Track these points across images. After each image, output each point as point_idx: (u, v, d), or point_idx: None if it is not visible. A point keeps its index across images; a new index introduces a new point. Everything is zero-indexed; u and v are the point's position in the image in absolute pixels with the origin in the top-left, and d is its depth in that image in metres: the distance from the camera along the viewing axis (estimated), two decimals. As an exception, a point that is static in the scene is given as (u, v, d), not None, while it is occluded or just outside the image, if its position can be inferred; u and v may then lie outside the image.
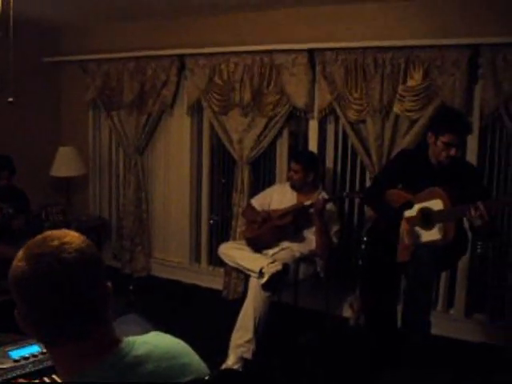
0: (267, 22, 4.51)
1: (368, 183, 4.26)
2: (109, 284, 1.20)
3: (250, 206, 4.36)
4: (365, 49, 4.03)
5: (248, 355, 3.52)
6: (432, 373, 3.14)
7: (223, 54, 4.63)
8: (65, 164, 5.25)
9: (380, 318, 3.50)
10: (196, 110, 5.02)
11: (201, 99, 4.85)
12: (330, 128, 4.49)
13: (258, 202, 4.31)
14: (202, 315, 4.42)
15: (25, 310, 1.13)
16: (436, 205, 3.06)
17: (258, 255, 3.90)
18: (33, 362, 1.72)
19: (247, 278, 3.97)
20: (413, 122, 3.95)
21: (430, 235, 3.11)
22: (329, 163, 4.52)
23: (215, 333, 3.81)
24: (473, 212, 2.82)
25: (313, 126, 4.50)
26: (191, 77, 4.85)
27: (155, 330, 1.34)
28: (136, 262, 5.43)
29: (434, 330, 3.23)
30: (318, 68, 4.28)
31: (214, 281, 5.07)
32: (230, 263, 4.01)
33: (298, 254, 3.90)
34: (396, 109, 3.97)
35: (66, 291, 1.09)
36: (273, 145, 4.75)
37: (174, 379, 1.21)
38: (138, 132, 5.24)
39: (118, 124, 5.36)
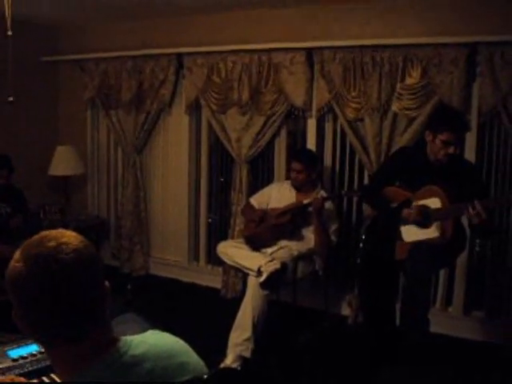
0: (265, 21, 4.51)
1: (366, 181, 4.26)
2: (107, 284, 1.20)
3: (248, 205, 4.36)
4: (363, 47, 4.04)
5: (247, 354, 3.52)
6: (430, 370, 3.14)
7: (221, 52, 4.63)
8: (63, 163, 5.24)
9: (378, 316, 3.50)
10: (194, 108, 5.02)
11: (199, 98, 4.85)
12: (329, 126, 4.49)
13: (256, 200, 4.31)
14: (200, 314, 4.42)
15: (22, 311, 1.13)
16: (434, 203, 3.07)
17: (256, 254, 3.90)
18: (31, 362, 1.72)
19: (246, 276, 3.97)
20: (411, 120, 3.95)
21: (428, 233, 3.11)
22: (327, 162, 4.52)
23: (214, 331, 3.81)
24: (470, 210, 2.83)
25: (311, 124, 4.50)
26: (189, 75, 4.84)
27: (153, 329, 1.34)
28: (134, 260, 5.43)
29: (432, 328, 3.23)
30: (316, 67, 4.29)
31: (212, 279, 5.07)
32: (229, 262, 4.01)
33: (296, 253, 3.90)
34: (394, 107, 3.98)
35: (64, 292, 1.09)
36: (271, 143, 4.75)
37: (171, 378, 1.20)
38: (137, 131, 5.24)
39: (117, 123, 5.35)
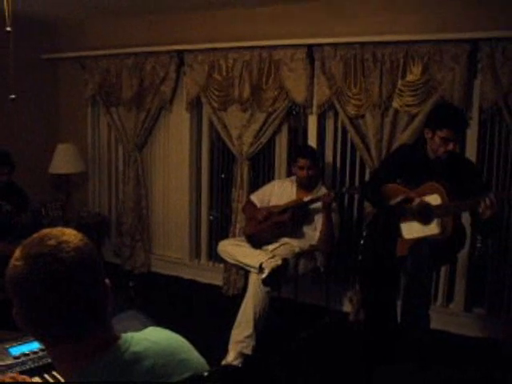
0: (266, 18, 4.50)
1: (367, 178, 4.26)
2: (107, 282, 1.20)
3: (249, 202, 4.36)
4: (364, 44, 4.03)
5: (248, 351, 3.53)
6: (431, 367, 3.14)
7: (222, 49, 4.63)
8: (64, 161, 5.24)
9: (379, 313, 3.50)
10: (195, 105, 5.02)
11: (200, 95, 4.85)
12: (329, 123, 4.49)
13: (257, 197, 4.31)
14: (201, 311, 4.43)
15: (23, 310, 1.13)
16: (434, 200, 3.06)
17: (257, 251, 3.90)
18: (33, 359, 1.72)
19: (247, 273, 3.97)
20: (412, 117, 3.95)
21: (429, 230, 3.11)
22: (328, 158, 4.52)
23: (215, 328, 3.81)
24: (483, 204, 2.81)
25: (312, 121, 4.50)
26: (190, 73, 4.84)
27: (154, 326, 1.34)
28: (136, 258, 5.43)
29: (433, 325, 3.23)
30: (317, 63, 4.28)
31: (213, 277, 5.08)
32: (230, 260, 4.01)
33: (297, 250, 3.90)
34: (395, 104, 3.97)
35: (65, 291, 1.09)
36: (272, 140, 4.75)
37: (172, 375, 1.20)
38: (137, 128, 5.24)
39: (117, 120, 5.35)
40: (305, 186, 4.10)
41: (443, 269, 4.10)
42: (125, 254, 5.46)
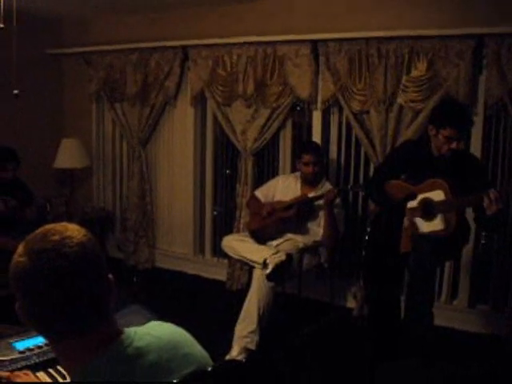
0: (270, 13, 4.49)
1: (371, 174, 4.25)
2: (111, 277, 1.20)
3: (254, 198, 4.36)
4: (368, 39, 4.02)
5: (252, 346, 3.53)
6: (435, 363, 3.14)
7: (226, 45, 4.62)
8: (68, 156, 5.25)
9: (383, 309, 3.50)
10: (199, 101, 5.02)
11: (204, 90, 4.85)
12: (334, 119, 4.48)
13: (262, 193, 4.31)
14: (206, 306, 4.44)
15: (26, 305, 1.13)
16: (438, 196, 3.05)
17: (261, 246, 3.90)
18: (38, 354, 1.73)
19: (251, 269, 3.98)
20: (417, 113, 3.94)
21: (432, 226, 3.11)
22: (332, 154, 4.51)
23: (219, 324, 3.82)
24: (486, 200, 2.80)
25: (316, 116, 4.49)
26: (194, 68, 4.84)
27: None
28: (140, 253, 5.44)
29: (437, 321, 3.23)
30: (322, 59, 4.27)
31: (217, 272, 5.09)
32: (234, 256, 4.02)
33: (301, 245, 3.90)
34: (400, 99, 3.96)
35: (68, 286, 1.09)
36: (276, 136, 4.74)
37: (175, 370, 1.21)
38: (142, 124, 5.24)
39: (122, 116, 5.36)
40: (309, 181, 4.10)
41: (447, 265, 4.10)
42: (129, 249, 5.47)
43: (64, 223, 1.18)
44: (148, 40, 5.00)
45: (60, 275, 1.08)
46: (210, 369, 1.28)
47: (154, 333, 1.25)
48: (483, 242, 4.09)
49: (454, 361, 3.40)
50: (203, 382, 1.25)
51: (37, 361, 1.70)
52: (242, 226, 4.74)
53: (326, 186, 4.07)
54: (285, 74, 4.40)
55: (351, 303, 4.42)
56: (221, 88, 4.71)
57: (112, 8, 4.98)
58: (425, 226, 3.14)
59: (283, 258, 3.63)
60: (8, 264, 1.14)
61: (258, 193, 4.33)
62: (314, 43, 4.26)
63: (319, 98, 4.37)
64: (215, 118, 4.99)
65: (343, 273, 4.57)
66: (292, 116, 4.69)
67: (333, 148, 4.51)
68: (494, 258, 4.07)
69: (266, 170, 4.94)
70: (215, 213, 5.35)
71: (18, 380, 1.48)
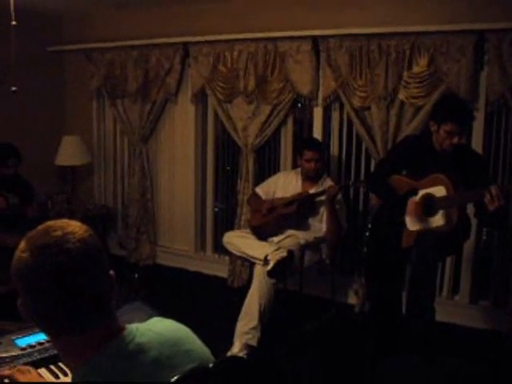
0: (271, 9, 4.48)
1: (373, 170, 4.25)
2: (112, 273, 1.21)
3: (254, 194, 4.36)
4: (369, 35, 4.01)
5: (253, 342, 3.54)
6: (436, 359, 3.15)
7: (227, 41, 4.61)
8: (69, 153, 5.24)
9: (385, 305, 3.51)
10: (200, 97, 5.01)
11: (205, 87, 4.84)
12: (335, 115, 4.47)
13: (262, 189, 4.31)
14: (207, 303, 4.44)
15: (28, 301, 1.13)
16: (439, 191, 3.05)
17: (262, 243, 3.91)
18: (39, 350, 1.74)
19: (252, 265, 3.98)
20: (418, 109, 3.93)
21: (434, 221, 3.11)
22: (334, 150, 4.51)
23: (220, 320, 3.83)
24: (488, 196, 2.80)
25: (317, 113, 4.49)
26: (195, 65, 4.83)
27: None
28: (141, 250, 5.45)
29: (439, 317, 3.23)
30: (323, 55, 4.26)
31: (219, 268, 5.09)
32: (235, 252, 4.02)
33: (303, 242, 3.90)
34: (401, 95, 3.96)
35: (70, 282, 1.09)
36: (277, 132, 4.74)
37: (177, 366, 1.21)
38: (143, 120, 5.24)
39: (123, 112, 5.36)
40: (310, 178, 4.10)
41: (449, 261, 4.10)
42: (130, 246, 5.47)
43: (65, 219, 1.19)
44: (149, 37, 4.99)
45: (62, 271, 1.09)
46: (211, 365, 1.29)
47: (155, 329, 1.25)
48: (484, 237, 4.09)
49: (456, 356, 3.40)
50: (204, 379, 1.26)
51: (38, 357, 1.71)
52: (243, 222, 4.74)
53: (327, 182, 4.07)
54: (286, 71, 4.39)
55: (353, 300, 4.42)
56: (222, 84, 4.70)
57: (112, 5, 4.97)
58: (426, 222, 3.14)
59: (284, 254, 3.63)
60: (10, 261, 1.14)
61: (259, 189, 4.33)
62: (315, 39, 4.25)
63: (320, 95, 4.36)
64: (216, 114, 4.99)
65: (345, 269, 4.57)
66: (293, 112, 4.68)
67: (334, 144, 4.50)
68: (495, 253, 4.07)
69: (266, 166, 4.93)
70: (216, 209, 5.36)
71: (21, 376, 1.48)
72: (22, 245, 1.13)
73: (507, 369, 3.31)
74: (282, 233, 4.00)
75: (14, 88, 2.43)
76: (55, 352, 1.61)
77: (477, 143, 3.88)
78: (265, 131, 4.62)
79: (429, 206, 3.10)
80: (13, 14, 2.31)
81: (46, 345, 1.75)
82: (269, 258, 3.62)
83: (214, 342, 1.49)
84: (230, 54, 4.63)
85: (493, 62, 3.65)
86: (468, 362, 3.21)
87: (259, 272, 3.67)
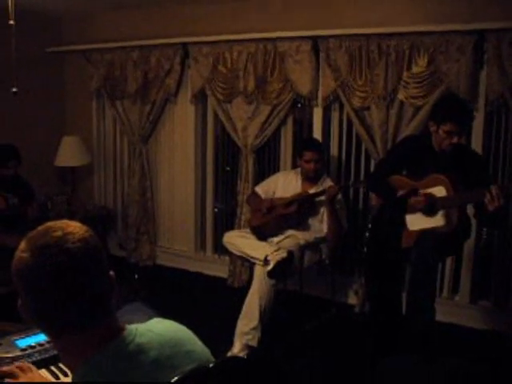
0: (270, 10, 4.48)
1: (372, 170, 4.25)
2: (112, 273, 1.21)
3: (254, 194, 4.36)
4: (369, 35, 4.01)
5: (253, 343, 3.54)
6: (436, 359, 3.15)
7: (227, 42, 4.61)
8: (69, 154, 5.24)
9: (385, 305, 3.51)
10: (200, 98, 5.01)
11: (205, 87, 4.84)
12: (335, 115, 4.48)
13: (262, 189, 4.31)
14: (207, 303, 4.44)
15: (29, 302, 1.13)
16: (439, 192, 3.06)
17: (262, 243, 3.90)
18: (39, 351, 1.74)
19: (252, 266, 3.98)
20: (417, 109, 3.93)
21: (434, 221, 3.11)
22: (333, 151, 4.51)
23: (220, 321, 3.83)
24: (488, 196, 2.80)
25: (317, 113, 4.49)
26: (195, 65, 4.83)
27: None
28: (141, 250, 5.45)
29: (439, 317, 3.24)
30: (322, 55, 4.26)
31: (219, 269, 5.09)
32: (235, 252, 4.02)
33: (302, 242, 3.90)
34: (401, 95, 3.96)
35: (70, 282, 1.10)
36: (277, 133, 4.74)
37: (177, 367, 1.21)
38: (142, 121, 5.24)
39: (122, 113, 5.36)
40: (310, 178, 4.10)
41: (449, 261, 4.10)
42: (130, 246, 5.47)
43: (65, 220, 1.19)
44: (148, 37, 5.00)
45: (62, 271, 1.09)
46: (211, 365, 1.29)
47: (155, 330, 1.25)
48: (484, 237, 4.09)
49: (455, 357, 3.40)
50: (205, 379, 1.26)
51: (38, 358, 1.71)
52: (243, 222, 4.74)
53: (327, 183, 4.07)
54: (285, 71, 4.39)
55: (353, 300, 4.42)
56: (221, 85, 4.70)
57: (112, 5, 4.97)
58: (426, 222, 3.14)
59: (284, 255, 3.63)
60: (10, 261, 1.14)
61: (259, 189, 4.33)
62: (315, 39, 4.25)
63: (320, 95, 4.36)
64: (216, 114, 4.99)
65: (345, 269, 4.57)
66: (293, 112, 4.68)
67: (334, 144, 4.51)
68: (495, 254, 4.07)
69: (266, 166, 4.93)
70: (216, 210, 5.36)
71: (22, 374, 1.49)
72: (23, 245, 1.14)
73: (507, 369, 3.31)
74: (281, 233, 4.00)
75: (14, 89, 2.43)
76: (55, 353, 1.61)
77: (476, 143, 3.88)
78: (264, 131, 4.62)
79: (430, 205, 3.10)
80: (12, 14, 2.30)
81: (47, 346, 1.75)
82: (269, 258, 3.62)
83: (213, 342, 1.49)
84: (230, 54, 4.63)
85: (492, 61, 3.65)
86: (468, 361, 3.21)
87: (259, 272, 3.67)
